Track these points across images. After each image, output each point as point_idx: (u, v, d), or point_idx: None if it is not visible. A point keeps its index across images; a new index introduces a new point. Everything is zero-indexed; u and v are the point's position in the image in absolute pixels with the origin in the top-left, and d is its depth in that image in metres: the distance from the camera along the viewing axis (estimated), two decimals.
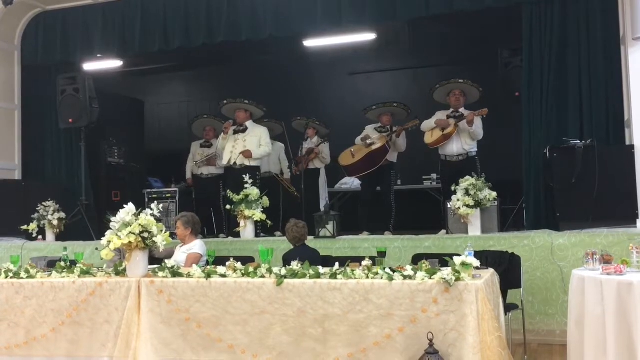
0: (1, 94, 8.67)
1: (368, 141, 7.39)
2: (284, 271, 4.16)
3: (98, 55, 8.87)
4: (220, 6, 7.88)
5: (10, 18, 8.65)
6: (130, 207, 4.49)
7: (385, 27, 9.14)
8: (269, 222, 6.97)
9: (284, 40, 8.54)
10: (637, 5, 5.98)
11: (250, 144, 7.50)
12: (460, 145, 6.92)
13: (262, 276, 4.20)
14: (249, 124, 7.65)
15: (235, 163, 7.50)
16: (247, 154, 7.43)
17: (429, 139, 7.07)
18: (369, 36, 8.92)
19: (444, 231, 6.58)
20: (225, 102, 7.80)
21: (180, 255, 5.58)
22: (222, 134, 7.63)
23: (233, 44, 8.24)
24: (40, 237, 7.78)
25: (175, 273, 4.43)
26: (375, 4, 7.28)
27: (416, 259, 4.97)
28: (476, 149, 6.99)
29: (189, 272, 4.41)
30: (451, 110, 7.05)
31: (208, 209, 8.33)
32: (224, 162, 7.63)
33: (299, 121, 8.49)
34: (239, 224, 7.01)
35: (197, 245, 5.63)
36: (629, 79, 6.22)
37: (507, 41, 7.65)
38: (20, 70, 8.95)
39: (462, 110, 7.00)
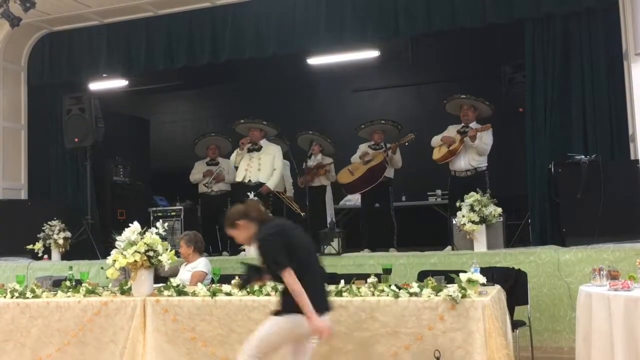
0: (8, 114, 8.74)
1: (366, 158, 7.42)
2: None
3: (103, 75, 8.97)
4: (224, 25, 7.97)
5: (17, 39, 8.74)
6: (135, 226, 4.50)
7: (388, 44, 9.19)
8: None
9: (288, 58, 8.61)
10: (639, 20, 6.01)
11: (265, 162, 7.62)
12: (467, 161, 6.90)
13: (268, 294, 4.19)
14: (262, 142, 7.75)
15: (250, 180, 7.58)
16: (265, 189, 7.54)
17: (436, 154, 7.06)
18: (372, 53, 8.97)
19: (449, 247, 6.55)
20: (242, 121, 7.88)
21: (184, 274, 5.57)
22: (238, 149, 7.71)
23: (237, 62, 8.31)
24: (45, 256, 7.78)
25: (180, 292, 4.42)
26: (378, 21, 7.34)
27: (422, 276, 4.94)
28: (486, 164, 6.92)
29: (194, 291, 4.40)
30: (462, 125, 7.05)
31: (214, 226, 8.34)
32: (238, 179, 7.68)
33: (304, 136, 8.45)
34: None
35: (202, 264, 5.62)
36: (632, 94, 6.22)
37: (509, 57, 7.68)
38: (27, 90, 9.03)
39: (472, 125, 6.96)
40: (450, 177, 7.12)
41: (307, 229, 7.20)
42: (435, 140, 7.11)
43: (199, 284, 4.55)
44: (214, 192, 8.35)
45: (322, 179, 8.29)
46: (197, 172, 8.45)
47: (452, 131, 7.06)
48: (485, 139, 6.84)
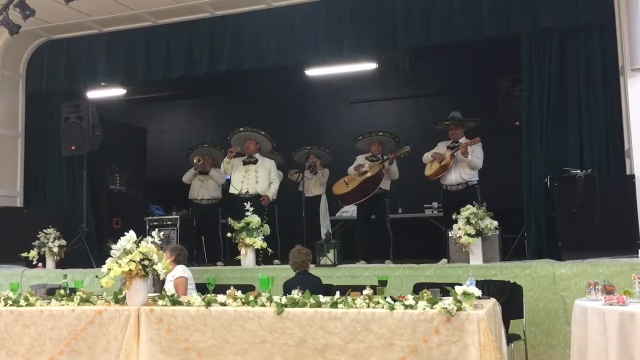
0: (5, 121, 8.73)
1: (362, 169, 7.44)
2: (284, 300, 4.13)
3: (102, 84, 8.98)
4: (223, 36, 8.01)
5: (16, 47, 8.75)
6: (131, 235, 4.48)
7: (386, 57, 9.23)
8: (270, 249, 6.96)
9: (286, 69, 8.64)
10: (635, 36, 6.05)
11: (262, 175, 7.63)
12: (459, 175, 6.96)
13: (263, 305, 4.17)
14: (257, 156, 7.75)
15: (247, 192, 7.56)
16: (265, 200, 7.55)
17: (428, 170, 7.16)
18: (370, 65, 9.01)
19: (445, 260, 6.55)
20: (242, 129, 7.82)
21: (168, 284, 5.54)
22: (226, 157, 7.70)
23: (236, 72, 8.33)
24: (40, 264, 7.74)
25: (175, 301, 4.40)
26: (377, 33, 7.39)
27: (417, 288, 4.94)
28: (477, 178, 7.01)
29: (188, 301, 4.38)
30: (451, 141, 7.11)
31: (206, 235, 8.34)
32: (235, 191, 7.66)
33: (300, 152, 8.51)
34: (240, 251, 6.99)
35: (179, 270, 5.60)
36: (628, 109, 6.26)
37: (507, 71, 7.72)
38: (25, 98, 9.03)
39: (461, 140, 7.04)
40: (442, 191, 7.16)
41: (304, 239, 7.28)
42: (427, 156, 7.17)
43: (194, 293, 4.53)
44: (205, 201, 8.37)
45: (314, 189, 8.29)
46: (188, 172, 8.50)
47: (442, 147, 7.15)
48: (477, 152, 6.91)
